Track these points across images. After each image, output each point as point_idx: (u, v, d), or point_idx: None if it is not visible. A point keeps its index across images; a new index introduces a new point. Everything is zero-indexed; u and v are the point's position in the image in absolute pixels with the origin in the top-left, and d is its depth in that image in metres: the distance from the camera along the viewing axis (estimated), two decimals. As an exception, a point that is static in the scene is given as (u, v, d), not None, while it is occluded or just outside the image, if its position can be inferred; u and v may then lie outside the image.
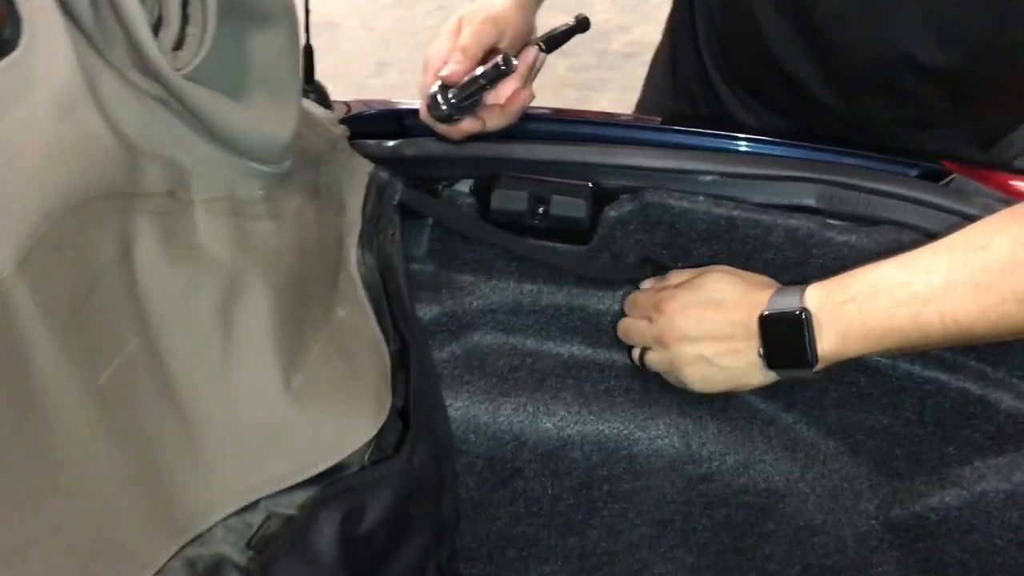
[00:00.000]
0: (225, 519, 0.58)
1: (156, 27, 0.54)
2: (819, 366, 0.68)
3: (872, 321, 0.65)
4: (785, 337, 0.68)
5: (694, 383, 0.75)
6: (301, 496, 0.62)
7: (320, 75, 0.83)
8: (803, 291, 0.69)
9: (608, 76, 3.40)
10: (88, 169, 0.49)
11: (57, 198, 0.46)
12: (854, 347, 0.66)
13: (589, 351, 0.85)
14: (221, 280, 0.57)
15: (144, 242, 0.53)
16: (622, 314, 0.83)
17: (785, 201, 0.78)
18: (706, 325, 0.73)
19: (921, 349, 0.69)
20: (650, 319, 0.77)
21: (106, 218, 0.50)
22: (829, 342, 0.67)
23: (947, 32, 0.79)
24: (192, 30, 0.54)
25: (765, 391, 0.83)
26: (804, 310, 0.67)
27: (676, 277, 0.79)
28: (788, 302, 0.69)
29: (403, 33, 3.80)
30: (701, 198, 0.78)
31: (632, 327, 0.80)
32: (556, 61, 3.56)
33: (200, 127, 0.57)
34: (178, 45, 0.54)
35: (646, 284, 0.82)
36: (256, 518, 0.60)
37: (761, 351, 0.70)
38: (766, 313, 0.69)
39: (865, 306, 0.65)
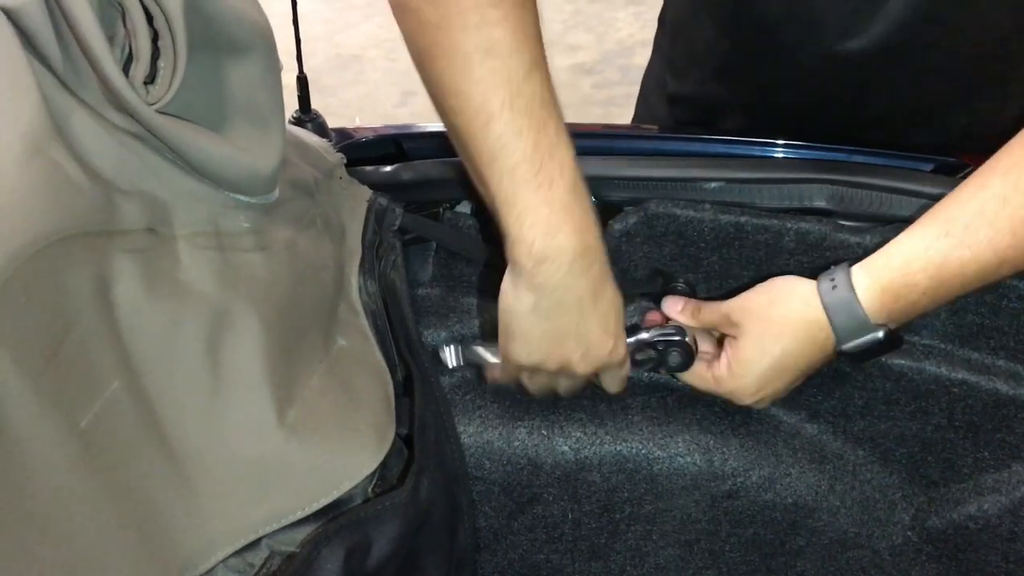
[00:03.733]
0: (226, 559, 0.57)
1: (127, 63, 0.53)
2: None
3: (942, 301, 0.65)
4: (867, 353, 0.67)
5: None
6: (303, 532, 0.60)
7: (347, 106, 0.83)
8: (858, 299, 0.65)
9: (633, 91, 3.35)
10: (59, 209, 0.48)
11: (25, 240, 0.45)
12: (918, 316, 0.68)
13: (603, 369, 0.83)
14: (207, 315, 0.56)
15: (124, 280, 0.52)
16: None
17: (795, 204, 0.75)
18: (788, 383, 0.71)
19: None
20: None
21: (81, 258, 0.50)
22: (901, 323, 0.67)
23: None
24: (163, 64, 0.53)
25: (787, 403, 0.80)
26: (885, 329, 0.66)
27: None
28: (857, 322, 0.66)
29: (426, 61, 3.81)
30: (707, 206, 0.76)
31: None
32: (580, 79, 3.56)
33: (181, 161, 0.57)
34: (150, 79, 0.54)
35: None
36: (258, 557, 0.59)
37: (844, 361, 0.71)
38: (846, 349, 0.67)
39: (938, 294, 0.64)
